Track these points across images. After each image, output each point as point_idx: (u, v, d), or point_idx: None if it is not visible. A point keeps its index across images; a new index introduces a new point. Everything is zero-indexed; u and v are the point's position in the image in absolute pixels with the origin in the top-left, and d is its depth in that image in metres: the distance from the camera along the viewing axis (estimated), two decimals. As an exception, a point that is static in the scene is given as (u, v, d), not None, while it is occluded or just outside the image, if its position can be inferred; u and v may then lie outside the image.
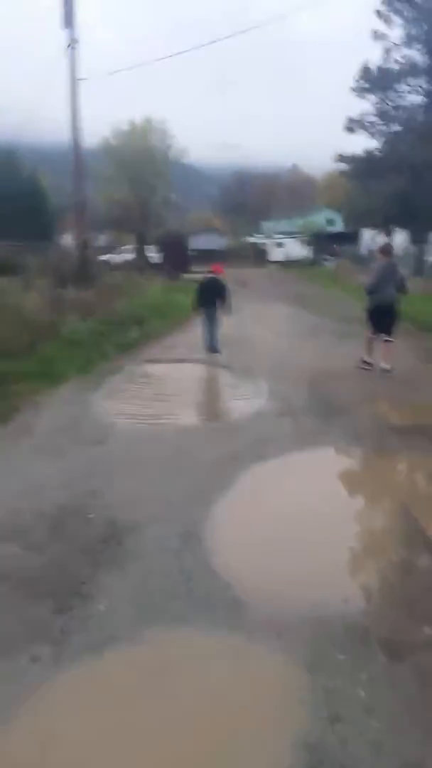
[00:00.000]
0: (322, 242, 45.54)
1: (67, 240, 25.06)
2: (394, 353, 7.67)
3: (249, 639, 2.49)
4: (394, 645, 2.42)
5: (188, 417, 5.91)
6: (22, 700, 2.16)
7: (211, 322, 9.12)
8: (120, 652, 2.42)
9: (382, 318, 7.66)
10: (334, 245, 42.60)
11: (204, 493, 3.91)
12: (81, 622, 2.58)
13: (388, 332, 7.66)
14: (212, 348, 9.03)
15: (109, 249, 31.81)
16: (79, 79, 13.58)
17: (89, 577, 2.94)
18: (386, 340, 7.67)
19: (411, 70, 24.71)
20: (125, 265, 25.37)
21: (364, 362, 7.77)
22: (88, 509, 3.67)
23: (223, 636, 2.52)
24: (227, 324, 9.63)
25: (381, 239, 30.37)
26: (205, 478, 4.16)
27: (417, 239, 27.40)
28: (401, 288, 7.72)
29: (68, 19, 13.47)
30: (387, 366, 7.50)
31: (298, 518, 3.65)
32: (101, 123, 33.69)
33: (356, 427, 5.33)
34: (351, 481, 4.47)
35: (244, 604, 2.70)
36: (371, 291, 7.73)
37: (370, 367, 7.70)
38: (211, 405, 6.89)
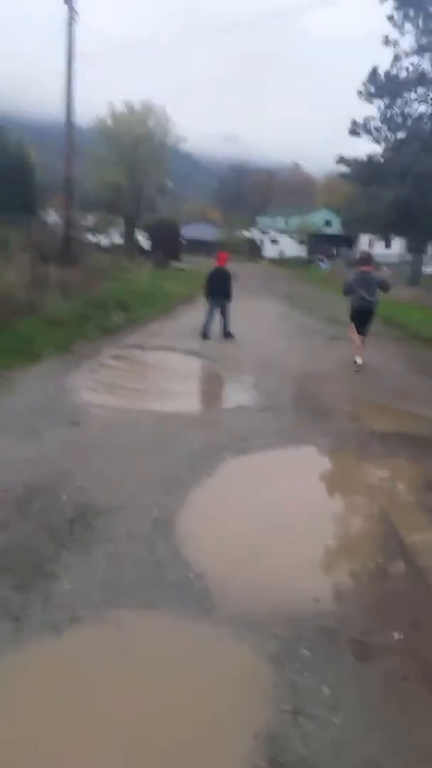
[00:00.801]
0: (318, 243, 45.66)
1: (53, 217, 24.55)
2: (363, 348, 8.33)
3: (216, 629, 2.43)
4: (362, 646, 2.39)
5: (169, 405, 5.82)
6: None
7: (216, 309, 9.77)
8: (81, 633, 2.34)
9: (359, 320, 8.31)
10: (333, 247, 42.74)
11: (180, 482, 3.84)
12: (43, 601, 2.50)
13: (364, 332, 8.37)
14: (226, 333, 9.77)
15: (97, 230, 31.32)
16: (78, 55, 13.27)
17: (55, 556, 2.84)
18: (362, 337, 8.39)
19: (420, 78, 24.73)
20: (113, 248, 25.02)
21: (356, 363, 8.16)
22: (59, 490, 3.57)
23: (190, 624, 2.46)
24: (216, 319, 9.61)
25: (377, 245, 30.55)
26: (182, 467, 4.08)
27: (415, 248, 27.60)
28: (383, 288, 8.38)
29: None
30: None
31: (274, 515, 3.60)
32: (97, 105, 33.16)
33: (339, 430, 5.31)
34: (331, 482, 4.43)
35: (215, 594, 2.63)
36: (345, 293, 8.52)
37: (359, 367, 8.08)
38: (192, 395, 6.80)
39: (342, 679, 2.20)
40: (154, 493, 3.63)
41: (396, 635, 2.48)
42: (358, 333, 8.27)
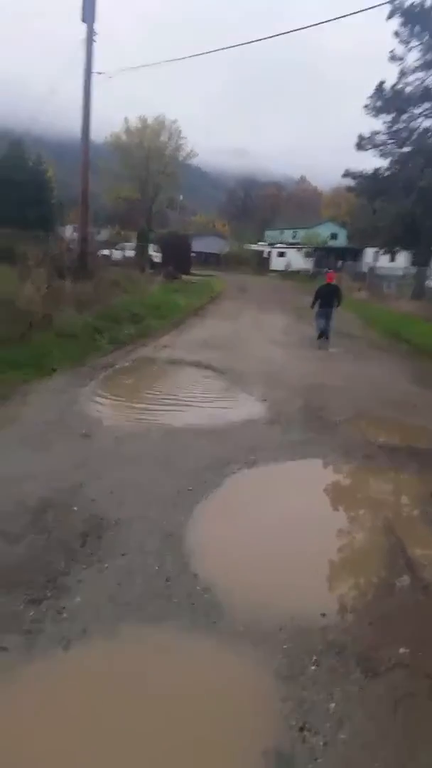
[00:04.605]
0: (324, 256, 45.81)
1: (69, 232, 25.01)
2: None
3: (225, 644, 2.46)
4: (369, 661, 2.41)
5: (178, 418, 5.87)
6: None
7: (327, 317, 11.75)
8: (91, 647, 2.38)
9: None
10: (338, 260, 42.87)
11: (189, 494, 3.88)
12: (54, 614, 2.55)
13: None
14: (325, 335, 11.62)
15: (111, 244, 31.78)
16: (95, 73, 13.57)
17: (66, 570, 2.89)
18: None
19: (425, 94, 24.92)
20: (125, 262, 25.31)
21: None
22: (71, 502, 3.63)
23: (199, 639, 2.49)
24: (224, 329, 9.68)
25: (382, 258, 30.66)
26: (190, 480, 4.13)
27: (419, 262, 27.65)
28: None
29: (88, 13, 13.48)
30: None
31: (281, 528, 3.63)
32: (111, 120, 33.77)
33: (345, 443, 5.34)
34: (337, 496, 4.46)
35: (223, 608, 2.67)
36: None
37: None
38: (201, 408, 6.85)
39: (349, 694, 2.23)
40: (164, 506, 3.68)
41: (402, 650, 2.49)
42: None
